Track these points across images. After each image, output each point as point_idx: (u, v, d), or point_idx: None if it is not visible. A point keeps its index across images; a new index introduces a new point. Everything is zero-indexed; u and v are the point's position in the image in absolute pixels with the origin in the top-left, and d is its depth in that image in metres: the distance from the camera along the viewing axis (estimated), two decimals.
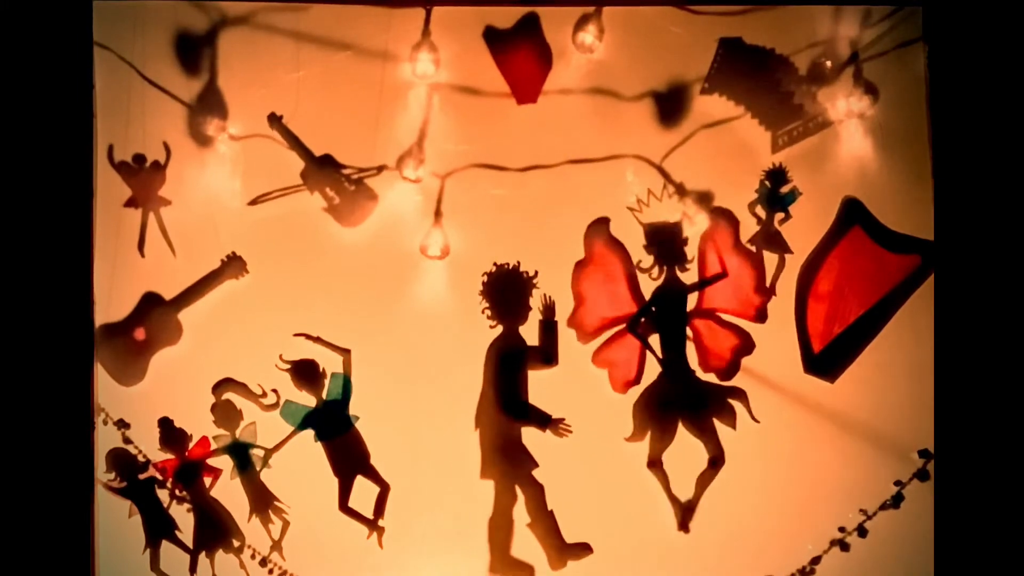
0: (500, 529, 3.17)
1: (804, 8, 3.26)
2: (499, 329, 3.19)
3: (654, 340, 3.19)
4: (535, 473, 3.17)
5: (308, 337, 3.18)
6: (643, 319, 3.19)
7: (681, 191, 3.23)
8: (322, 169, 3.23)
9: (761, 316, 3.19)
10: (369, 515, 3.20)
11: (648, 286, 3.21)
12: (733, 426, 3.16)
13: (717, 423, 3.17)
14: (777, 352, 3.21)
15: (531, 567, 3.17)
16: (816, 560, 3.17)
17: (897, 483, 3.17)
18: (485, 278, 3.19)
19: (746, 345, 3.19)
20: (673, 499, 3.16)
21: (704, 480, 3.16)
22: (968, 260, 3.10)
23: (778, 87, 3.24)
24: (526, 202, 3.22)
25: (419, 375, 3.20)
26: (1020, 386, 3.05)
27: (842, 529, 3.17)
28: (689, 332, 3.20)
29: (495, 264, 3.19)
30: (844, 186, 3.24)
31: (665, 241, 3.19)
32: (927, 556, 3.10)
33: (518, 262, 3.19)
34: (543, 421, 3.16)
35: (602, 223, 3.19)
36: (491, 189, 3.22)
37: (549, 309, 3.18)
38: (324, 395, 3.20)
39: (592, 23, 3.21)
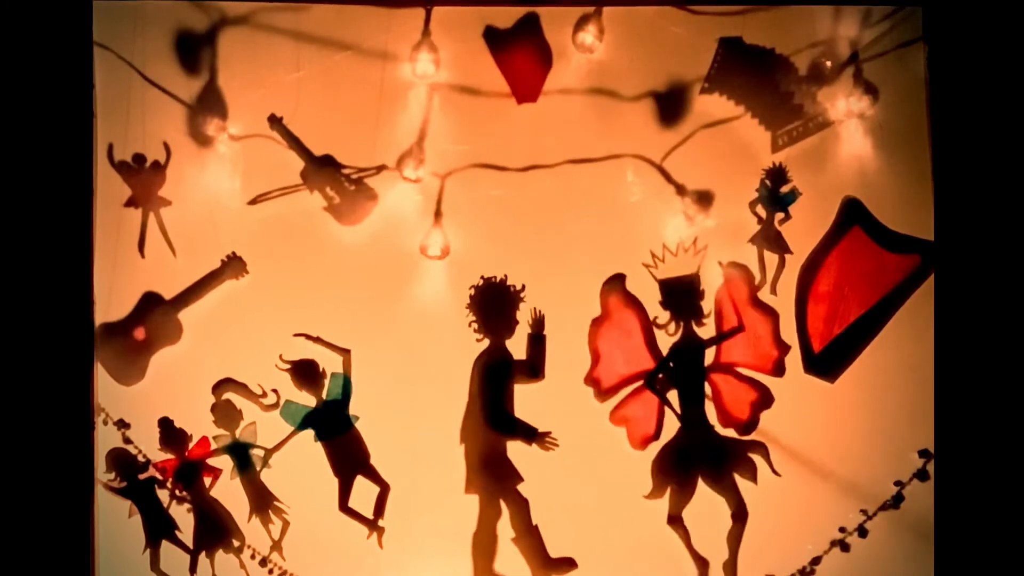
0: (484, 544, 3.16)
1: (804, 8, 3.26)
2: (486, 343, 3.19)
3: (672, 396, 3.19)
4: (520, 488, 3.16)
5: (308, 337, 3.18)
6: (661, 375, 3.18)
7: (681, 191, 3.23)
8: (322, 169, 3.23)
9: (779, 369, 3.19)
10: (369, 515, 3.19)
11: (665, 342, 3.20)
12: (754, 480, 3.15)
13: (738, 478, 3.16)
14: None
15: None
16: (816, 560, 3.17)
17: (897, 483, 3.17)
18: (472, 291, 3.18)
19: (765, 399, 3.18)
20: (695, 554, 3.15)
21: (733, 536, 3.15)
22: (968, 260, 3.10)
23: (778, 87, 3.24)
24: (526, 202, 3.22)
25: (419, 375, 3.20)
26: (1020, 386, 3.05)
27: (842, 529, 3.17)
28: (707, 387, 3.20)
29: (482, 277, 3.19)
30: (844, 186, 3.24)
31: (681, 296, 3.18)
32: (927, 556, 3.10)
33: (505, 275, 3.19)
34: (529, 435, 3.15)
35: (618, 279, 3.19)
36: (491, 189, 3.22)
37: (538, 323, 3.18)
38: (324, 395, 3.20)
39: (592, 23, 3.21)
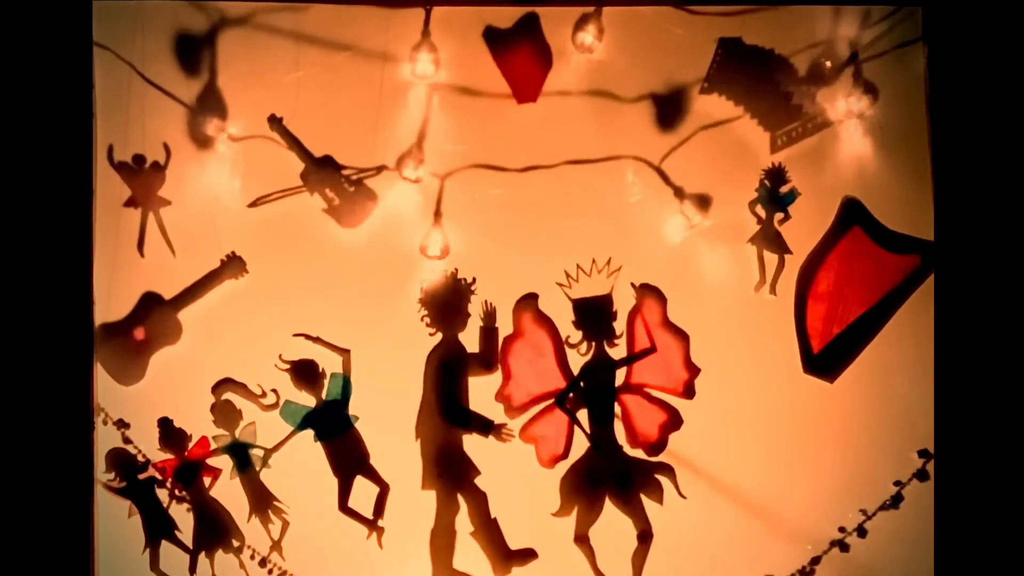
0: (442, 540, 3.16)
1: (804, 8, 3.26)
2: (438, 337, 3.19)
3: (582, 415, 3.18)
4: (477, 481, 3.17)
5: (308, 337, 3.18)
6: (571, 394, 3.18)
7: (680, 192, 3.23)
8: (322, 170, 3.23)
9: (689, 392, 3.18)
10: (369, 515, 3.19)
11: (577, 361, 3.20)
12: (660, 501, 3.14)
13: (644, 499, 3.16)
14: (776, 352, 3.21)
15: None
16: (816, 560, 3.16)
17: (897, 483, 3.17)
18: (423, 285, 3.18)
19: (674, 421, 3.17)
20: (599, 574, 3.14)
21: (638, 557, 3.15)
22: (968, 260, 3.10)
23: (777, 87, 3.24)
24: (526, 202, 3.22)
25: (419, 375, 3.19)
26: (1020, 386, 3.05)
27: (842, 529, 3.16)
28: (617, 408, 3.19)
29: (432, 272, 3.19)
30: (844, 186, 3.24)
31: (594, 316, 3.18)
32: (927, 556, 3.10)
33: (456, 269, 3.19)
34: (485, 427, 3.15)
35: (531, 298, 3.18)
36: (491, 189, 3.22)
37: (490, 316, 3.18)
38: (324, 395, 3.20)
39: (592, 23, 3.21)
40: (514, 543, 3.16)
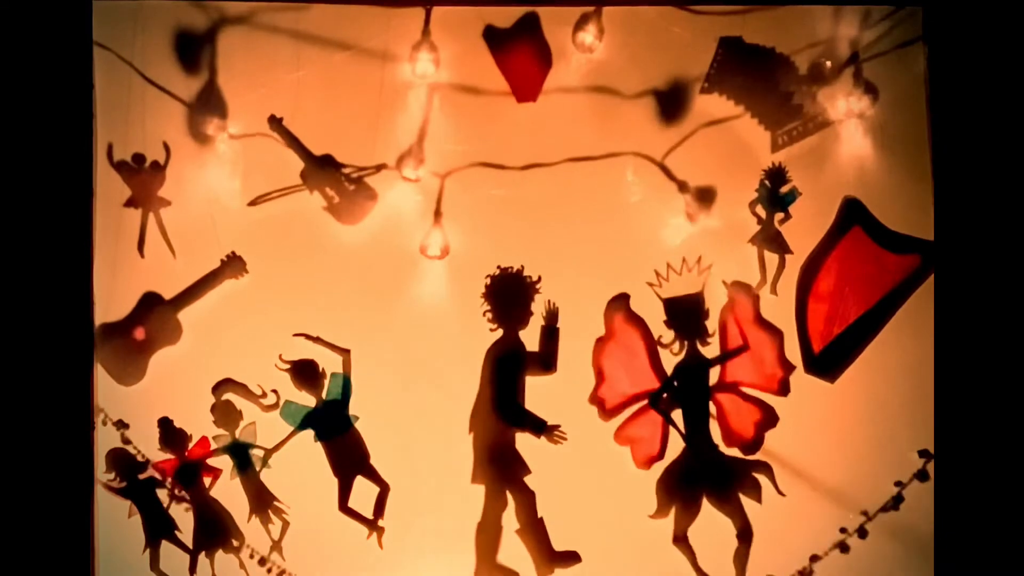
0: (488, 535, 3.16)
1: (804, 8, 3.26)
2: (499, 333, 3.19)
3: (676, 415, 3.18)
4: (527, 480, 3.17)
5: (308, 337, 3.18)
6: (665, 394, 3.18)
7: (681, 190, 3.23)
8: (322, 169, 3.23)
9: (784, 389, 3.18)
10: (369, 515, 3.19)
11: (669, 361, 3.20)
12: (759, 500, 3.14)
13: (743, 498, 3.16)
14: None
15: (516, 573, 3.16)
16: (816, 559, 3.16)
17: (897, 483, 3.17)
18: (488, 281, 3.18)
19: (770, 418, 3.17)
20: (701, 574, 3.14)
21: (740, 557, 3.14)
22: (968, 260, 3.10)
23: (778, 87, 3.24)
24: (526, 201, 3.22)
25: (419, 375, 3.20)
26: (1020, 386, 3.05)
27: (843, 530, 3.16)
28: (712, 407, 3.19)
29: (499, 267, 3.19)
30: (844, 186, 3.24)
31: (685, 315, 3.18)
32: (927, 556, 3.10)
33: (522, 266, 3.18)
34: (538, 427, 3.15)
35: (622, 298, 3.18)
36: (491, 188, 3.22)
37: (552, 315, 3.17)
38: (324, 395, 3.20)
39: (592, 23, 3.21)
40: (560, 545, 3.16)
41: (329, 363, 3.20)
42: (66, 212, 3.09)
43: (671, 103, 3.25)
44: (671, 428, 3.17)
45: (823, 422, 3.20)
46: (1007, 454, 3.04)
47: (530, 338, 3.20)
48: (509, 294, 3.18)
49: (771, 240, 3.23)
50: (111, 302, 3.19)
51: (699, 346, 3.18)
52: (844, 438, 3.19)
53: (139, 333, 3.21)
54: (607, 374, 3.17)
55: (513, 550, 3.17)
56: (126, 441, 3.18)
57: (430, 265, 3.22)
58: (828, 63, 3.24)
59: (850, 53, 3.23)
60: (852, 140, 3.24)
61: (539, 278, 3.18)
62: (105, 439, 3.17)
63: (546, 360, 3.17)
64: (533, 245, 3.22)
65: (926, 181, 3.20)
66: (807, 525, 3.18)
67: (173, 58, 3.23)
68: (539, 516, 3.16)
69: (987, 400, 3.05)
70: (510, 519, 3.17)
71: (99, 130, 3.18)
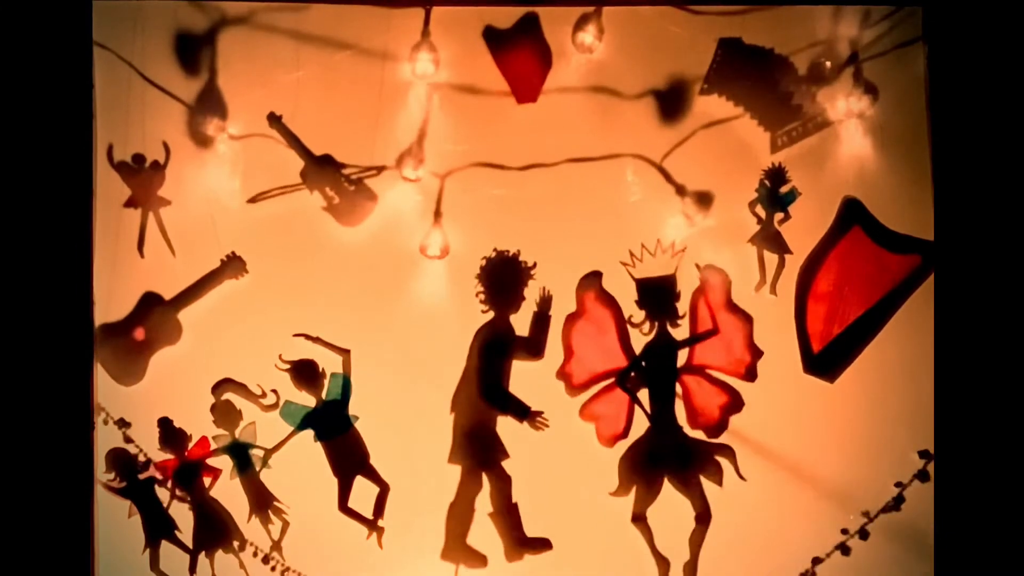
0: (459, 515, 3.16)
1: (804, 8, 3.26)
2: (491, 315, 3.19)
3: (643, 395, 3.18)
4: (505, 464, 3.16)
5: (308, 337, 3.18)
6: (633, 374, 3.18)
7: (681, 191, 3.23)
8: (322, 169, 3.23)
9: (751, 374, 3.18)
10: (369, 515, 3.19)
11: (639, 341, 3.20)
12: (719, 483, 3.15)
13: (703, 480, 3.16)
14: (776, 352, 3.21)
15: (484, 557, 3.16)
16: (817, 561, 3.16)
17: (898, 484, 3.16)
18: (483, 262, 3.18)
19: (735, 403, 3.18)
20: (657, 554, 3.14)
21: (695, 539, 3.15)
22: (968, 260, 3.10)
23: (778, 87, 3.24)
24: (526, 202, 3.22)
25: (419, 375, 3.20)
26: (1020, 386, 3.05)
27: (844, 531, 3.16)
28: (678, 388, 3.19)
29: (495, 250, 3.19)
30: (844, 186, 3.24)
31: (657, 296, 3.18)
32: (927, 557, 3.10)
33: (518, 250, 3.18)
34: (521, 413, 3.15)
35: (594, 276, 3.18)
36: (491, 189, 3.22)
37: (545, 301, 3.18)
38: (324, 395, 3.20)
39: (592, 23, 3.21)
40: (556, 525, 3.16)
41: (329, 363, 3.21)
42: (66, 212, 3.09)
43: (671, 103, 3.25)
44: (636, 407, 3.17)
45: (823, 422, 3.20)
46: (1007, 454, 3.04)
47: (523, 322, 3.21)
48: (503, 277, 3.18)
49: (771, 240, 3.23)
50: (111, 302, 3.20)
51: (669, 327, 3.19)
52: (844, 438, 3.19)
53: (139, 333, 3.21)
54: (576, 350, 3.18)
55: (484, 533, 3.17)
56: (126, 441, 3.18)
57: (430, 265, 3.22)
58: (828, 63, 3.24)
59: (850, 53, 3.23)
60: (852, 140, 3.24)
61: (534, 264, 3.18)
62: (105, 439, 3.17)
63: (535, 346, 3.17)
64: (533, 245, 3.21)
65: (926, 181, 3.20)
66: (808, 526, 3.18)
67: (173, 58, 3.23)
68: (513, 502, 3.16)
69: (987, 400, 3.05)
70: (485, 502, 3.18)
71: (99, 130, 3.19)
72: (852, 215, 3.23)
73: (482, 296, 3.18)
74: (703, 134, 3.24)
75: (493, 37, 3.24)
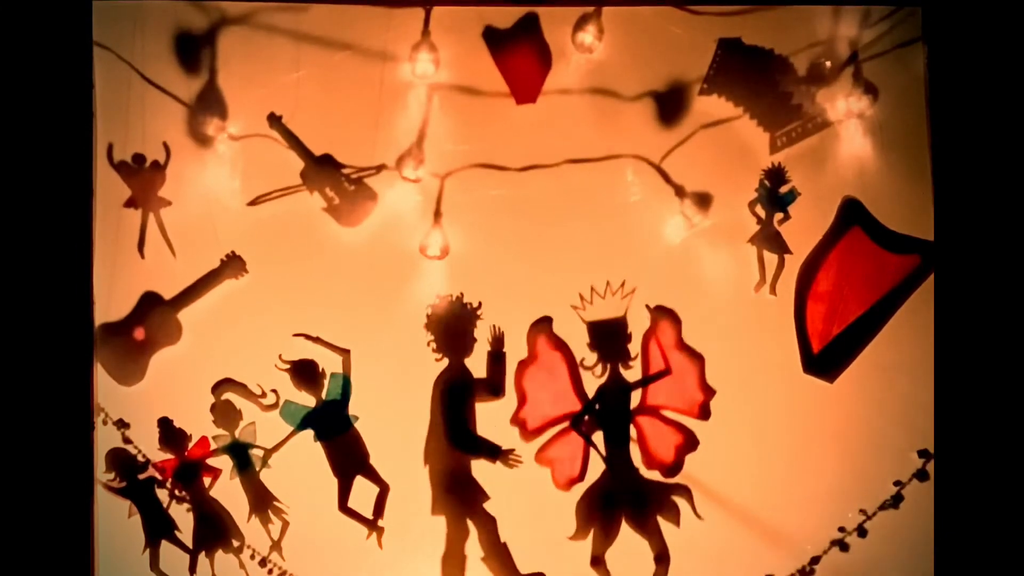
0: (453, 565, 3.15)
1: (804, 8, 3.26)
2: (444, 363, 3.19)
3: (598, 438, 3.18)
4: (487, 506, 3.16)
5: (308, 337, 3.18)
6: (587, 416, 3.18)
7: (680, 191, 3.23)
8: (322, 169, 3.23)
9: (705, 413, 3.18)
10: (369, 515, 3.19)
11: (592, 384, 3.20)
12: (677, 523, 3.14)
13: (661, 521, 3.16)
14: (777, 352, 3.21)
15: None
16: (816, 560, 3.16)
17: (897, 483, 3.17)
18: (429, 311, 3.18)
19: (690, 442, 3.17)
20: None
21: None
22: (968, 260, 3.10)
23: (777, 87, 3.24)
24: (525, 202, 3.22)
25: (419, 375, 3.19)
26: (1020, 386, 3.05)
27: (842, 529, 3.16)
28: (633, 430, 3.19)
29: (438, 296, 3.19)
30: (844, 186, 3.24)
31: (609, 338, 3.18)
32: (927, 556, 3.10)
33: (461, 294, 3.19)
34: (493, 453, 3.15)
35: (545, 321, 3.18)
36: (491, 189, 3.22)
37: (498, 340, 3.18)
38: (324, 395, 3.20)
39: (591, 23, 3.21)
40: (525, 567, 3.16)
41: (329, 363, 3.21)
42: (66, 212, 3.09)
43: (670, 104, 3.25)
44: (592, 450, 3.17)
45: (822, 422, 3.20)
46: (1007, 454, 3.04)
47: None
48: (451, 323, 3.18)
49: (770, 240, 3.23)
50: (111, 302, 3.20)
51: (621, 369, 3.19)
52: (843, 438, 3.19)
53: (139, 333, 3.21)
54: (529, 396, 3.17)
55: None
56: (126, 441, 3.18)
57: (430, 265, 3.22)
58: (827, 63, 3.24)
59: (849, 53, 3.23)
60: (852, 140, 3.24)
61: (479, 304, 3.18)
62: (105, 439, 3.17)
63: (494, 386, 3.17)
64: (532, 246, 3.22)
65: (926, 181, 3.20)
66: (807, 524, 3.18)
67: (173, 58, 3.23)
68: (502, 541, 3.16)
69: (987, 400, 3.05)
70: (474, 547, 3.17)
71: (99, 130, 3.18)
72: (852, 215, 3.23)
73: (433, 345, 3.18)
74: (703, 134, 3.24)
75: (493, 37, 3.24)
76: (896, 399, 3.20)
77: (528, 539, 3.17)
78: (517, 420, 3.17)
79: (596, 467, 3.18)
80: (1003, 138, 3.11)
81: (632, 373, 3.20)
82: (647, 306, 3.19)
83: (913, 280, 3.22)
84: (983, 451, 3.05)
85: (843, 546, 3.16)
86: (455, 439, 3.16)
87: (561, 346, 3.19)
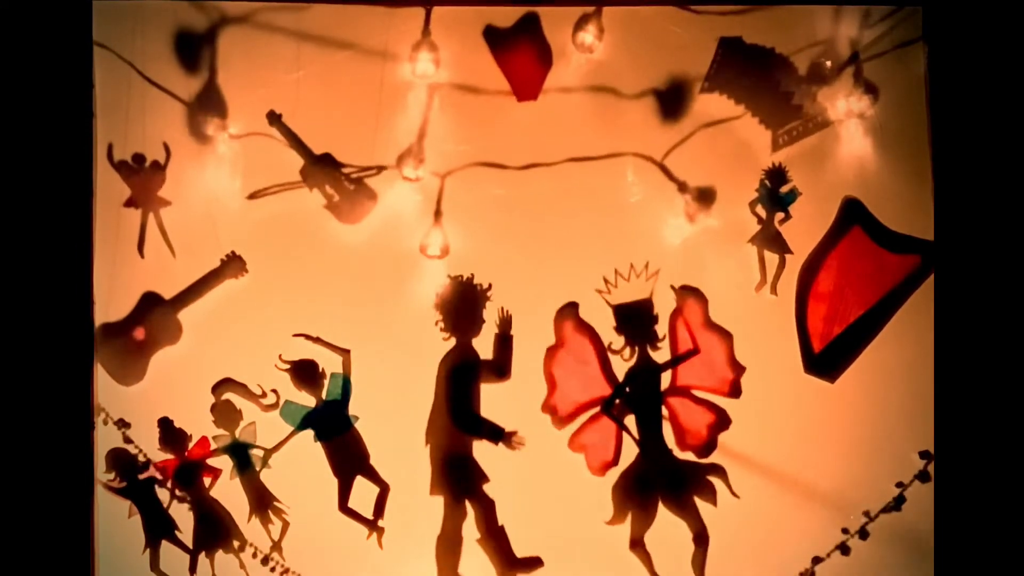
0: (448, 546, 3.15)
1: (804, 8, 3.26)
2: (452, 342, 3.19)
3: (629, 421, 3.18)
4: (486, 488, 3.16)
5: (308, 337, 3.18)
6: (617, 400, 3.18)
7: (682, 190, 3.23)
8: (322, 168, 3.23)
9: (735, 391, 3.18)
10: (369, 515, 3.19)
11: (621, 367, 3.20)
12: (714, 503, 3.15)
13: (698, 501, 3.15)
14: (777, 352, 3.21)
15: None
16: (817, 561, 3.16)
17: (898, 484, 3.16)
18: (439, 291, 3.18)
19: (722, 421, 3.18)
20: None
21: (697, 560, 3.14)
22: (968, 260, 3.10)
23: (778, 87, 3.24)
24: (526, 201, 3.22)
25: (419, 375, 3.19)
26: (1020, 386, 3.05)
27: (844, 531, 3.16)
28: (664, 411, 3.19)
29: (449, 276, 3.19)
30: (844, 186, 3.24)
31: (635, 321, 3.18)
32: (928, 557, 3.10)
33: (471, 275, 3.18)
34: (495, 435, 3.15)
35: (571, 307, 3.18)
36: (491, 188, 3.22)
37: (505, 322, 3.18)
38: (324, 395, 3.20)
39: (592, 23, 3.21)
40: (522, 551, 3.16)
41: (329, 363, 3.20)
42: (66, 212, 3.09)
43: (671, 103, 3.25)
44: (624, 434, 3.17)
45: (823, 422, 3.20)
46: (1007, 454, 3.04)
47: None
48: (460, 303, 3.18)
49: (771, 240, 3.23)
50: (111, 302, 3.19)
51: (650, 351, 3.19)
52: (844, 438, 3.19)
53: (139, 333, 3.21)
54: (559, 382, 3.18)
55: (475, 560, 3.17)
56: (126, 441, 3.18)
57: (430, 265, 3.22)
58: (828, 63, 3.24)
59: (850, 53, 3.23)
60: (852, 140, 3.24)
61: (489, 285, 3.18)
62: (105, 439, 3.17)
63: (500, 367, 3.17)
64: (533, 245, 3.22)
65: (926, 181, 3.20)
66: (808, 526, 3.18)
67: (173, 58, 3.23)
68: (500, 524, 3.16)
69: (987, 400, 3.05)
70: (471, 529, 3.18)
71: (99, 130, 3.19)
72: (852, 215, 3.23)
73: (442, 324, 3.17)
74: (703, 133, 3.24)
75: (493, 37, 3.24)
76: (896, 399, 3.20)
77: (524, 522, 3.16)
78: (548, 407, 3.17)
79: (630, 450, 3.17)
80: (1003, 138, 3.11)
81: (660, 355, 3.20)
82: (672, 286, 3.19)
83: (913, 280, 3.22)
84: (983, 452, 3.04)
85: (845, 548, 3.16)
86: (458, 419, 3.16)
87: (588, 331, 3.18)
